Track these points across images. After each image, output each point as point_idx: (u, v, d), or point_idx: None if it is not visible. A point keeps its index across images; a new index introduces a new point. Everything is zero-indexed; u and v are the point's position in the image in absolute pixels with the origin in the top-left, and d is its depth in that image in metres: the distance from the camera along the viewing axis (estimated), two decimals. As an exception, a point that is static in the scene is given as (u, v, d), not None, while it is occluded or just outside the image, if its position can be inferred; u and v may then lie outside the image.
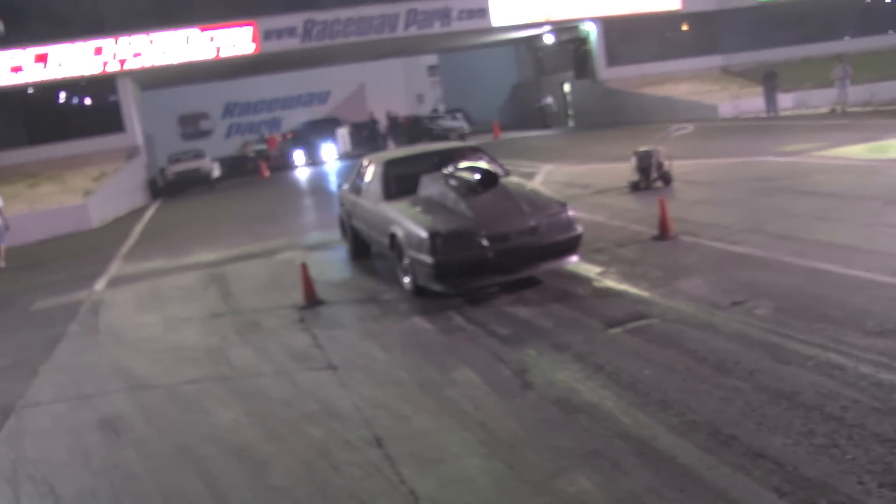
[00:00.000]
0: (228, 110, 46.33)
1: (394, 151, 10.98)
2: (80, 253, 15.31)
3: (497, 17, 29.54)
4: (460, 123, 32.82)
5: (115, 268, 12.59)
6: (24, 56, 25.10)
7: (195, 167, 27.17)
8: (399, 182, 8.69)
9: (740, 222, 9.03)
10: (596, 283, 7.37)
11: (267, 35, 27.42)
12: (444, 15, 28.94)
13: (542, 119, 33.90)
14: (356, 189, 9.79)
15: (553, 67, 35.75)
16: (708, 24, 31.87)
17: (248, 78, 38.14)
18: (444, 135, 30.94)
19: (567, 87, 34.54)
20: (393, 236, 7.99)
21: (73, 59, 25.59)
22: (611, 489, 3.69)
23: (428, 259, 7.13)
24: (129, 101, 26.82)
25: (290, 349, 6.72)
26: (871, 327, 5.20)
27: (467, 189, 7.72)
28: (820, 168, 12.11)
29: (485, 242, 7.15)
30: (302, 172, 28.42)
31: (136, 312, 9.14)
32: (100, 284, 11.20)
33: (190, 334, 7.76)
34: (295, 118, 42.11)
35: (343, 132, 33.98)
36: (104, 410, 5.88)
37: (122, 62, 26.12)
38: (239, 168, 34.53)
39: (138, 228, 18.23)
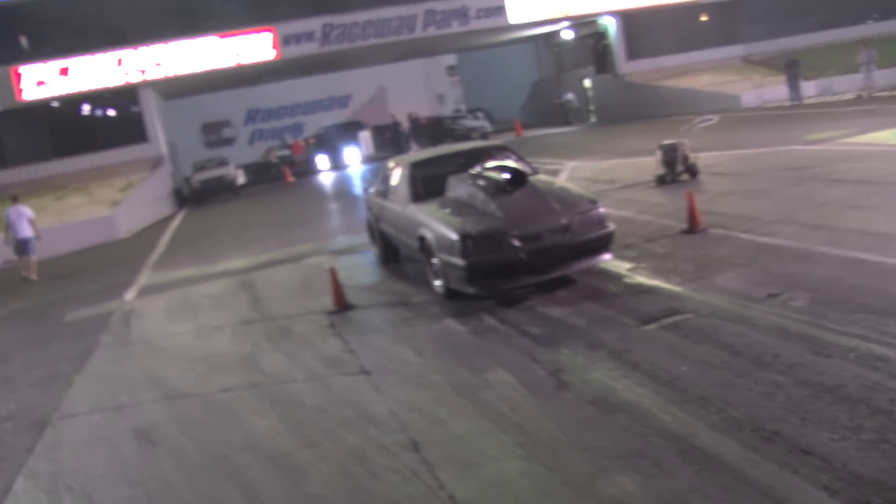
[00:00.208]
0: (251, 117, 46.52)
1: (420, 153, 10.84)
2: (110, 263, 15.45)
3: (514, 15, 29.42)
4: (482, 123, 32.74)
5: (145, 277, 12.68)
6: (47, 70, 25.37)
7: (220, 175, 27.35)
8: (426, 184, 8.60)
9: (770, 213, 8.89)
10: (627, 280, 7.29)
11: (286, 40, 27.51)
12: (462, 14, 28.89)
13: (563, 115, 33.75)
14: (383, 192, 9.72)
15: (573, 63, 35.58)
16: (728, 14, 31.51)
17: (269, 84, 38.29)
18: (466, 135, 30.79)
19: (587, 83, 34.36)
20: (422, 239, 7.89)
21: (95, 72, 25.82)
22: (654, 489, 3.63)
23: (459, 261, 7.04)
24: (152, 111, 27.04)
25: (321, 355, 6.70)
26: (912, 316, 5.09)
27: (496, 189, 7.61)
28: (849, 155, 11.92)
29: (516, 243, 7.04)
30: (326, 177, 28.49)
31: (167, 321, 9.19)
32: (130, 294, 11.28)
33: (221, 342, 7.78)
34: (317, 123, 42.21)
35: (365, 135, 34.04)
36: (139, 420, 5.90)
37: (144, 72, 26.32)
38: (263, 174, 34.74)
39: (166, 237, 18.37)
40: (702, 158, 12.53)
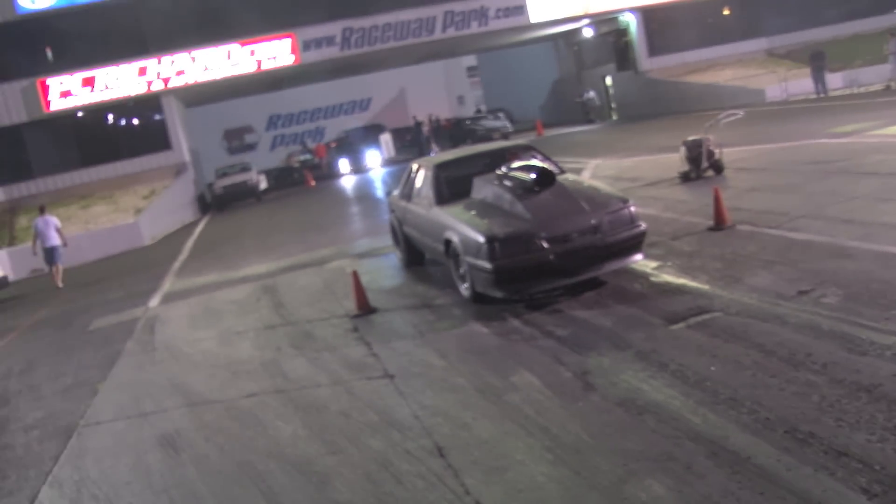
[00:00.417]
0: (272, 122, 46.79)
1: (444, 154, 10.61)
2: (134, 270, 15.57)
3: (535, 14, 29.28)
4: (503, 123, 32.65)
5: (169, 284, 12.75)
6: (72, 81, 25.67)
7: (242, 180, 27.52)
8: (451, 185, 8.45)
9: (799, 208, 8.73)
10: (653, 278, 7.17)
11: (306, 45, 27.60)
12: (482, 14, 28.81)
13: (584, 114, 33.56)
14: (406, 195, 9.56)
15: (594, 61, 35.39)
16: (750, 7, 31.15)
17: (290, 89, 38.48)
18: (486, 135, 30.78)
19: (609, 80, 34.17)
20: (448, 242, 7.74)
21: (118, 81, 26.08)
22: (685, 494, 3.53)
23: (486, 265, 6.88)
24: (175, 119, 27.26)
25: (345, 359, 6.66)
26: (949, 312, 4.95)
27: (523, 189, 7.43)
28: (878, 147, 11.68)
29: (545, 244, 6.86)
30: (347, 180, 28.54)
31: (190, 327, 9.21)
32: (154, 301, 11.34)
33: (245, 347, 7.77)
34: (338, 126, 42.37)
35: (386, 138, 34.08)
36: (164, 427, 5.89)
37: (166, 81, 26.54)
38: (285, 179, 34.92)
39: (189, 243, 18.48)
40: (727, 154, 12.36)
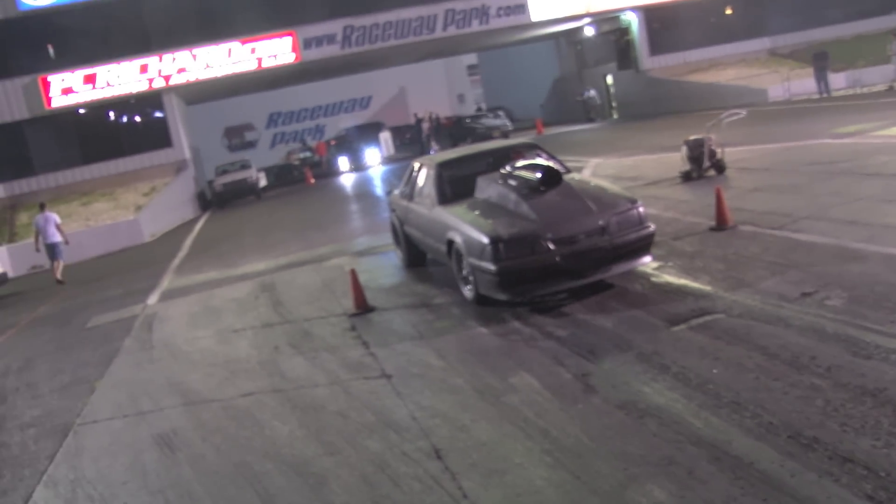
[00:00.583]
0: (273, 120, 46.79)
1: (446, 153, 10.35)
2: (134, 267, 15.53)
3: (536, 12, 29.21)
4: (503, 121, 32.59)
5: (168, 281, 12.71)
6: (73, 78, 25.63)
7: (242, 178, 27.50)
8: (454, 185, 8.27)
9: (802, 209, 8.66)
10: (654, 279, 7.10)
11: (307, 44, 27.55)
12: (483, 13, 28.74)
13: (585, 112, 33.47)
14: (408, 194, 9.36)
15: (595, 60, 35.31)
16: (753, 6, 31.07)
17: (290, 87, 38.46)
18: (486, 133, 30.73)
19: (610, 79, 34.08)
20: (450, 243, 7.56)
21: (120, 79, 26.04)
22: (687, 499, 3.47)
23: (490, 266, 6.71)
24: (176, 117, 27.22)
25: (342, 358, 6.60)
26: (955, 315, 4.89)
27: (528, 189, 7.23)
28: (882, 148, 11.61)
29: (551, 246, 6.68)
30: (347, 178, 28.49)
31: (189, 325, 9.15)
32: (153, 298, 11.29)
33: (242, 346, 7.71)
34: (338, 124, 42.36)
35: (386, 136, 34.03)
36: (160, 426, 5.84)
37: (167, 78, 26.49)
38: (285, 177, 34.93)
39: (189, 241, 18.43)
40: (729, 154, 12.29)
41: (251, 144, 45.75)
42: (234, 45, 26.96)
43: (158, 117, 27.19)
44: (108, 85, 25.98)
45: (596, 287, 7.08)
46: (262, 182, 28.70)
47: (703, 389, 4.54)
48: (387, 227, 13.14)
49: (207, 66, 26.82)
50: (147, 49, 26.16)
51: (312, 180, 30.13)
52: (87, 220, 21.78)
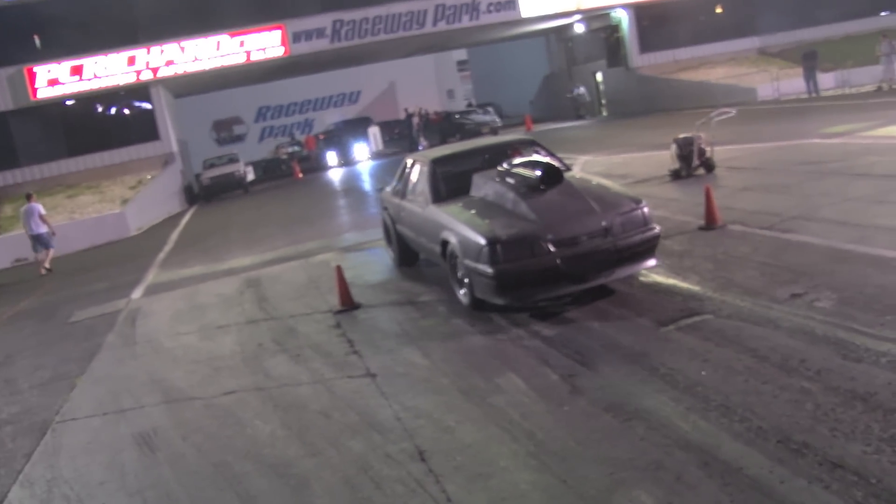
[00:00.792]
0: (261, 114, 46.64)
1: (441, 148, 9.84)
2: (119, 261, 15.41)
3: (526, 8, 29.15)
4: (492, 117, 32.52)
5: (153, 275, 12.58)
6: (59, 69, 25.41)
7: (229, 172, 27.37)
8: (448, 182, 7.93)
9: (792, 209, 8.61)
10: (642, 278, 7.02)
11: (296, 37, 27.40)
12: (473, 8, 28.65)
13: (575, 109, 33.43)
14: (401, 191, 9.00)
15: (585, 57, 35.27)
16: (743, 5, 31.09)
17: (279, 81, 38.27)
18: (475, 129, 30.72)
19: (599, 76, 34.05)
20: (445, 244, 7.20)
21: (107, 70, 25.84)
22: (675, 505, 3.40)
23: (487, 269, 6.34)
24: (163, 109, 27.03)
25: (327, 356, 6.51)
26: (946, 318, 4.84)
27: (528, 187, 6.88)
28: (871, 149, 11.60)
29: (551, 248, 6.32)
30: (335, 173, 28.36)
31: (172, 321, 9.03)
32: (137, 293, 11.17)
33: (226, 342, 7.61)
34: (327, 119, 42.23)
35: (375, 131, 33.90)
36: (141, 425, 5.74)
37: (155, 71, 26.30)
38: (273, 171, 34.80)
39: (175, 235, 18.29)
40: (718, 152, 12.25)
41: (240, 138, 45.58)
42: (223, 38, 26.80)
43: (146, 110, 27.03)
44: (96, 77, 25.80)
45: (603, 294, 6.81)
46: (250, 176, 28.58)
47: (692, 392, 4.47)
48: (375, 222, 13.08)
49: (196, 59, 26.66)
50: (135, 41, 25.99)
51: (300, 175, 29.98)
52: (72, 213, 21.58)
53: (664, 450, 3.88)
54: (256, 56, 27.32)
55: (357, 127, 34.47)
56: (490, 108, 34.76)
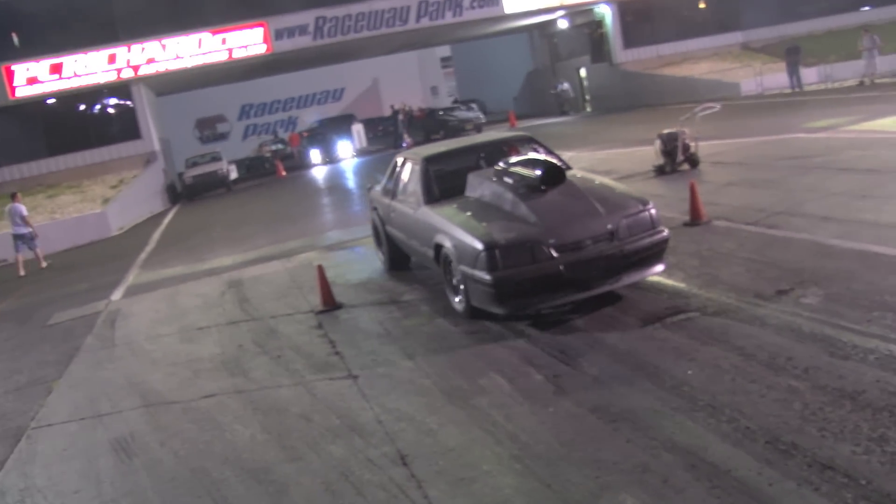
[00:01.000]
0: (245, 112, 46.38)
1: (434, 146, 9.25)
2: (100, 261, 15.24)
3: (510, 4, 29.09)
4: (476, 114, 32.44)
5: (133, 276, 12.42)
6: (39, 67, 25.15)
7: (212, 170, 27.19)
8: (442, 181, 7.50)
9: (777, 204, 8.57)
10: (627, 275, 6.94)
11: (278, 34, 27.22)
12: (456, 4, 28.54)
13: (558, 105, 33.40)
14: (391, 191, 8.55)
15: (568, 53, 35.24)
16: (726, 1, 31.14)
17: (262, 78, 38.05)
18: (459, 126, 30.66)
19: (583, 72, 34.02)
20: (438, 248, 6.78)
21: (87, 69, 25.61)
22: (662, 510, 3.32)
23: (485, 276, 5.92)
24: (145, 108, 26.79)
25: (308, 357, 6.40)
26: (934, 314, 4.78)
27: (527, 187, 6.46)
28: (854, 143, 11.60)
29: (554, 253, 5.91)
30: (319, 171, 28.19)
31: (152, 322, 8.89)
32: (117, 294, 11.01)
33: (206, 344, 7.48)
34: (310, 116, 42.04)
35: (358, 128, 33.74)
36: (118, 430, 5.61)
37: (136, 69, 26.07)
38: (257, 169, 34.60)
39: (156, 234, 18.12)
40: (702, 147, 12.21)
41: (223, 136, 45.32)
42: (205, 36, 26.61)
43: (127, 108, 26.82)
44: (76, 75, 25.56)
45: (611, 300, 6.40)
46: (233, 174, 28.38)
47: (679, 392, 4.40)
48: (358, 220, 13.00)
49: (177, 57, 26.47)
50: (115, 39, 25.76)
51: (284, 173, 29.80)
52: (52, 213, 21.31)
53: (651, 452, 3.80)
54: (239, 53, 27.14)
55: (341, 124, 34.30)
56: (474, 105, 34.69)
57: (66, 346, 8.48)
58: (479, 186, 7.02)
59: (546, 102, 34.94)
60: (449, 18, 28.76)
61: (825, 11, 30.54)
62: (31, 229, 15.31)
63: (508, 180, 6.68)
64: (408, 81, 45.96)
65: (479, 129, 30.08)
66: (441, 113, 33.71)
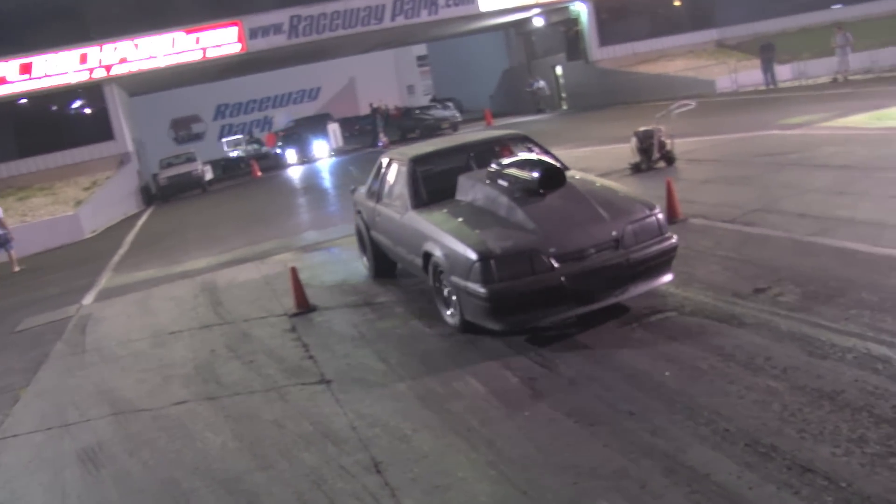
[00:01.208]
0: (220, 112, 45.95)
1: (421, 145, 8.62)
2: (72, 265, 14.99)
3: (485, 3, 29.04)
4: (452, 112, 32.35)
5: (105, 279, 12.21)
6: (8, 67, 24.77)
7: (187, 171, 26.90)
8: (431, 184, 7.04)
9: (753, 201, 8.56)
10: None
11: (253, 33, 26.98)
12: (432, 3, 28.43)
13: (534, 103, 33.37)
14: (376, 194, 8.06)
15: (544, 50, 35.24)
16: (701, -2, 31.34)
17: (238, 78, 37.73)
18: (435, 125, 30.61)
19: (559, 70, 34.02)
20: (427, 256, 6.30)
21: (58, 68, 25.26)
22: (640, 516, 3.25)
23: (479, 289, 5.44)
24: (118, 108, 26.45)
25: (281, 362, 6.28)
26: (911, 311, 4.75)
27: (524, 191, 5.99)
28: (829, 139, 11.64)
29: (554, 263, 5.46)
30: (294, 171, 27.98)
31: (124, 327, 8.72)
32: (89, 298, 10.81)
33: (178, 349, 7.33)
34: (286, 116, 41.74)
35: (335, 127, 33.51)
36: (85, 440, 5.46)
37: (109, 68, 25.74)
38: (232, 170, 34.33)
39: (130, 236, 17.87)
40: (678, 145, 12.21)
41: (198, 136, 44.87)
42: (178, 35, 26.33)
43: (99, 109, 26.46)
44: (46, 75, 25.20)
45: (617, 313, 5.98)
46: (209, 175, 28.12)
47: (656, 394, 4.33)
48: (334, 220, 12.87)
49: (150, 56, 26.17)
50: (87, 38, 25.41)
51: (259, 173, 29.58)
52: (23, 215, 20.96)
53: (629, 457, 3.73)
54: (213, 53, 26.88)
55: (317, 124, 34.04)
56: (450, 104, 34.59)
57: (34, 353, 8.28)
58: (471, 189, 6.55)
59: (522, 100, 34.90)
60: (424, 17, 28.66)
61: (798, 9, 30.73)
62: (5, 231, 15.06)
63: (503, 183, 6.22)
64: (384, 80, 45.77)
65: (455, 127, 29.98)
66: (417, 111, 33.58)
